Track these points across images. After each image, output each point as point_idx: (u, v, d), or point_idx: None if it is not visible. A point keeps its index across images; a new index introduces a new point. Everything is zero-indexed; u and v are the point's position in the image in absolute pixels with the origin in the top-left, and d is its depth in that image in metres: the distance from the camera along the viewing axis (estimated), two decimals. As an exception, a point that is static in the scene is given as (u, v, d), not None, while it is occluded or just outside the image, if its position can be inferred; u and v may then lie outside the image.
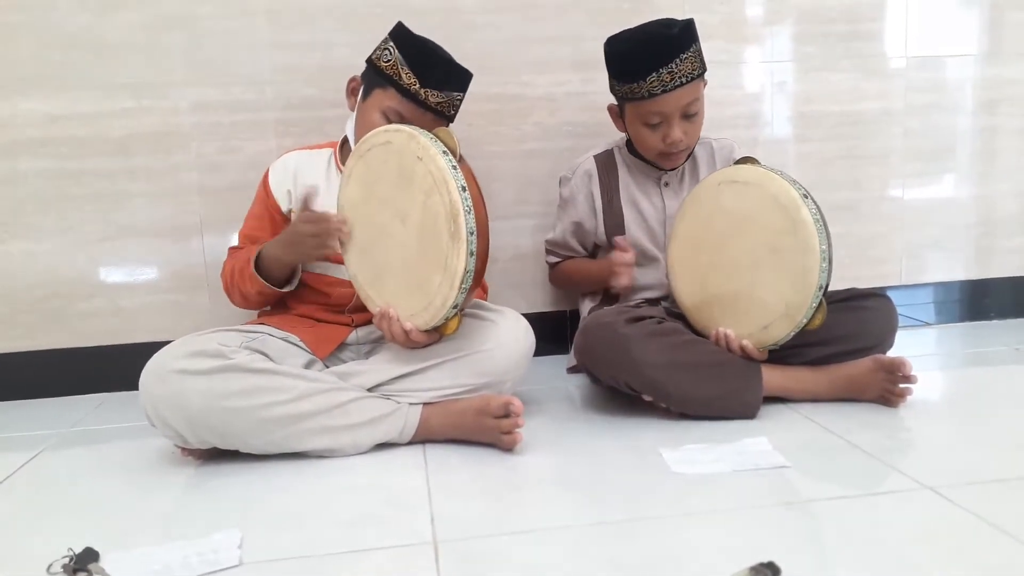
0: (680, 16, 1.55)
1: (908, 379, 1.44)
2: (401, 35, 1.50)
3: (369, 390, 1.37)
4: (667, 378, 1.42)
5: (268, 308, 1.59)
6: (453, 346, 1.38)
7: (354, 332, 1.53)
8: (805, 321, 1.41)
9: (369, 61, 1.52)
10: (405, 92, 1.47)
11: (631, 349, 1.42)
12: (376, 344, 1.54)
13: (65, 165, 1.80)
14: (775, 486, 1.16)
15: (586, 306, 1.79)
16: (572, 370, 1.80)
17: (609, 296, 1.72)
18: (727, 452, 1.28)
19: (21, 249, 1.81)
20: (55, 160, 1.79)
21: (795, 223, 1.38)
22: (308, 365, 1.43)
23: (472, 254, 1.27)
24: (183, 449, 1.34)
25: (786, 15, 2.02)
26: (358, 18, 1.83)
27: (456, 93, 1.53)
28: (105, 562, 1.00)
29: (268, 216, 1.56)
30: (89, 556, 1.00)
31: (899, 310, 1.58)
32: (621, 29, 1.57)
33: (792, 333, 1.42)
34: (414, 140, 1.29)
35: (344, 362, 1.49)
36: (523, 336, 1.43)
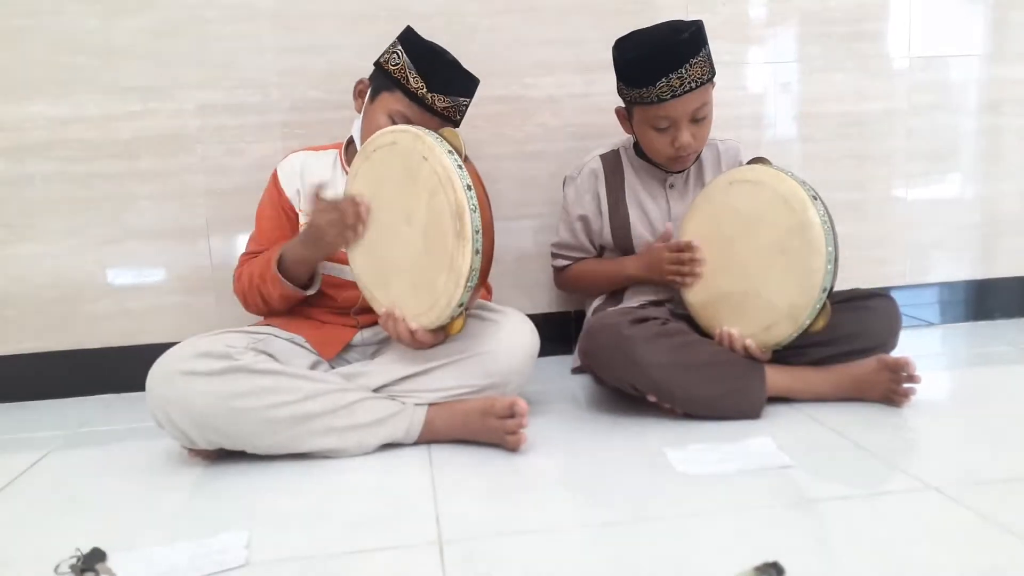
0: (682, 17, 1.55)
1: (912, 379, 1.44)
2: (410, 39, 1.51)
3: (375, 391, 1.37)
4: (672, 378, 1.42)
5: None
6: (458, 347, 1.39)
7: (360, 333, 1.54)
8: (808, 322, 1.41)
9: (377, 64, 1.53)
10: (412, 96, 1.47)
11: (636, 350, 1.42)
12: (382, 345, 1.54)
13: (73, 168, 1.81)
14: (780, 486, 1.16)
15: (592, 307, 1.79)
16: (577, 371, 1.80)
17: (614, 296, 1.72)
18: (732, 452, 1.28)
19: (29, 251, 1.82)
20: (63, 163, 1.80)
21: (803, 224, 1.38)
22: (314, 366, 1.44)
23: (478, 252, 1.27)
24: (190, 450, 1.35)
25: (789, 16, 2.02)
26: (362, 21, 1.84)
27: (463, 99, 1.53)
28: (112, 562, 1.01)
29: (284, 215, 1.56)
30: (96, 556, 1.01)
31: (903, 310, 1.58)
32: (624, 31, 1.57)
33: (795, 334, 1.43)
34: (419, 140, 1.30)
35: (350, 363, 1.50)
36: (528, 337, 1.44)
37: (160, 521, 1.15)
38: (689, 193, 1.70)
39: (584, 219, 1.74)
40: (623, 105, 1.65)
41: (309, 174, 1.57)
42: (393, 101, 1.48)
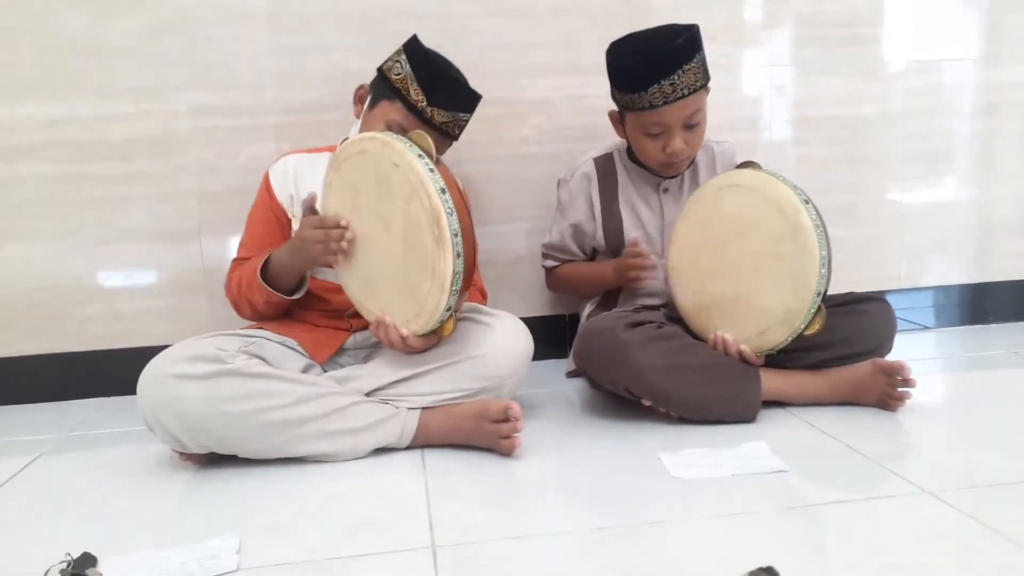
0: (677, 20, 1.54)
1: (908, 383, 1.44)
2: (415, 50, 1.49)
3: (367, 395, 1.37)
4: (666, 382, 1.42)
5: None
6: (451, 350, 1.38)
7: (352, 337, 1.53)
8: (803, 327, 1.41)
9: (380, 71, 1.52)
10: (411, 108, 1.47)
11: (630, 354, 1.41)
12: (374, 348, 1.53)
13: (64, 169, 1.79)
14: (774, 490, 1.16)
15: (586, 310, 1.78)
16: (571, 374, 1.80)
17: (608, 300, 1.72)
18: (727, 456, 1.28)
19: (20, 253, 1.81)
20: (54, 164, 1.79)
21: (796, 229, 1.38)
22: (306, 370, 1.43)
23: (459, 256, 1.27)
24: (181, 454, 1.34)
25: (785, 19, 2.02)
26: (357, 23, 1.83)
27: (463, 114, 1.53)
28: (103, 567, 1.00)
29: (274, 220, 1.55)
30: (87, 561, 1.00)
31: (898, 314, 1.58)
32: (619, 33, 1.56)
33: (790, 339, 1.42)
34: (388, 147, 1.29)
35: (342, 367, 1.49)
36: (521, 340, 1.43)
37: (151, 526, 1.14)
38: (683, 197, 1.69)
39: (575, 225, 1.74)
40: (616, 109, 1.64)
41: (304, 178, 1.56)
42: (392, 111, 1.48)
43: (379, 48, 1.53)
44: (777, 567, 0.89)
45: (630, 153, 1.71)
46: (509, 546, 1.02)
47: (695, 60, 1.49)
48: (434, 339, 1.37)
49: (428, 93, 1.46)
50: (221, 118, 1.83)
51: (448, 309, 1.30)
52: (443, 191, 1.26)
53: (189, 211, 1.85)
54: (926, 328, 2.20)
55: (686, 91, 1.49)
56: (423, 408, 1.37)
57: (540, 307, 2.02)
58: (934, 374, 1.76)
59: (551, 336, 1.95)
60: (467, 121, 1.56)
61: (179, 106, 1.81)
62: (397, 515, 1.13)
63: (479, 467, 1.30)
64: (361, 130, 1.52)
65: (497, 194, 1.93)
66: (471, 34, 1.88)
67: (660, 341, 1.45)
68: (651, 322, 1.49)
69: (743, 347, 1.45)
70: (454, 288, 1.28)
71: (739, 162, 1.66)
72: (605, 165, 1.73)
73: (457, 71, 1.53)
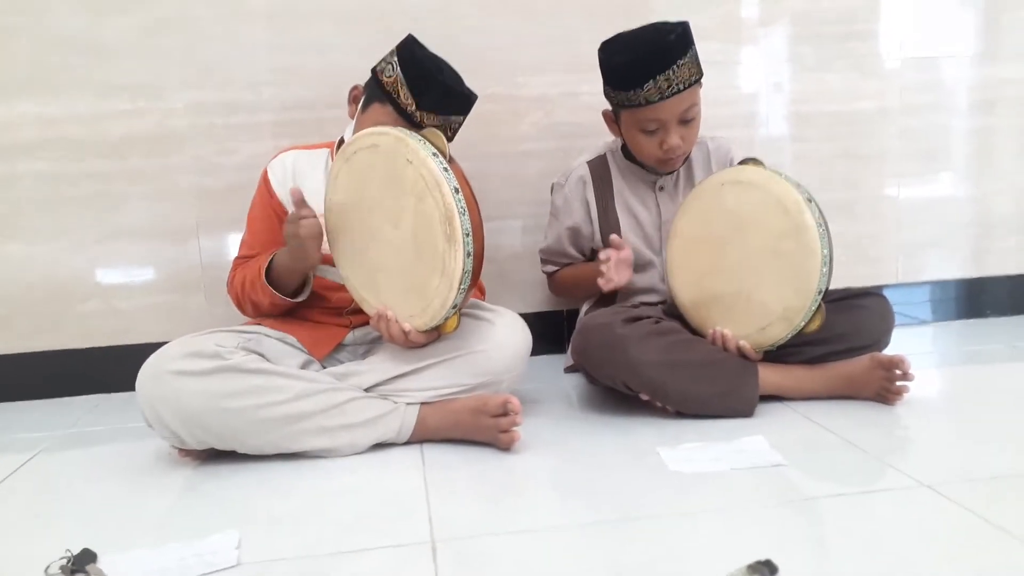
0: (674, 18, 1.55)
1: (906, 377, 1.44)
2: (407, 52, 1.47)
3: (366, 390, 1.37)
4: (665, 377, 1.42)
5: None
6: (450, 346, 1.38)
7: (351, 333, 1.53)
8: (803, 324, 1.41)
9: (374, 72, 1.51)
10: (401, 112, 1.45)
11: (629, 348, 1.42)
12: (373, 344, 1.54)
13: (62, 167, 1.79)
14: (772, 484, 1.16)
15: (585, 306, 1.78)
16: (569, 369, 1.80)
17: (606, 298, 1.72)
18: (725, 451, 1.28)
19: (18, 251, 1.81)
20: (52, 162, 1.79)
21: (798, 226, 1.38)
22: (305, 366, 1.43)
23: (469, 255, 1.27)
24: (180, 450, 1.34)
25: (781, 16, 2.02)
26: (354, 21, 1.83)
27: (455, 117, 1.52)
28: (103, 563, 1.00)
29: (274, 216, 1.54)
30: (87, 557, 1.00)
31: (895, 308, 1.58)
32: (616, 31, 1.56)
33: (789, 335, 1.43)
34: (402, 143, 1.29)
35: (341, 362, 1.49)
36: (520, 336, 1.43)
37: (150, 522, 1.14)
38: (679, 195, 1.69)
39: (573, 229, 1.73)
40: (610, 108, 1.64)
41: (302, 174, 1.56)
42: (383, 114, 1.46)
43: (377, 46, 1.53)
44: (775, 560, 0.89)
45: (625, 152, 1.70)
46: (508, 541, 1.03)
47: (688, 55, 1.49)
48: (435, 335, 1.37)
49: (418, 97, 1.44)
50: (219, 116, 1.83)
51: (454, 306, 1.30)
52: (456, 191, 1.26)
53: (187, 209, 1.85)
54: (923, 322, 2.20)
55: (681, 86, 1.49)
56: (422, 403, 1.38)
57: (538, 303, 2.02)
58: (931, 368, 1.77)
59: (549, 331, 1.96)
60: (460, 124, 1.55)
61: (177, 104, 1.81)
62: (396, 510, 1.13)
63: (478, 462, 1.30)
64: (355, 131, 1.51)
65: (495, 191, 1.93)
66: (468, 32, 1.88)
67: (658, 336, 1.45)
68: (649, 317, 1.50)
69: (742, 343, 1.45)
70: (462, 286, 1.28)
71: (735, 158, 1.67)
72: (599, 168, 1.72)
73: (450, 73, 1.50)
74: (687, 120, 1.54)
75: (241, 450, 1.31)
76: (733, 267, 1.46)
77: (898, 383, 1.45)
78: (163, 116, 1.81)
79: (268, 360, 1.35)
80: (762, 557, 0.90)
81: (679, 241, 1.55)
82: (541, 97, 1.94)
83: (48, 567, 0.99)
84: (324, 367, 1.46)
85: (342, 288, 1.46)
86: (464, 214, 1.26)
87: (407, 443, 1.38)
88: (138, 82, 1.79)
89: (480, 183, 1.60)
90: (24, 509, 1.22)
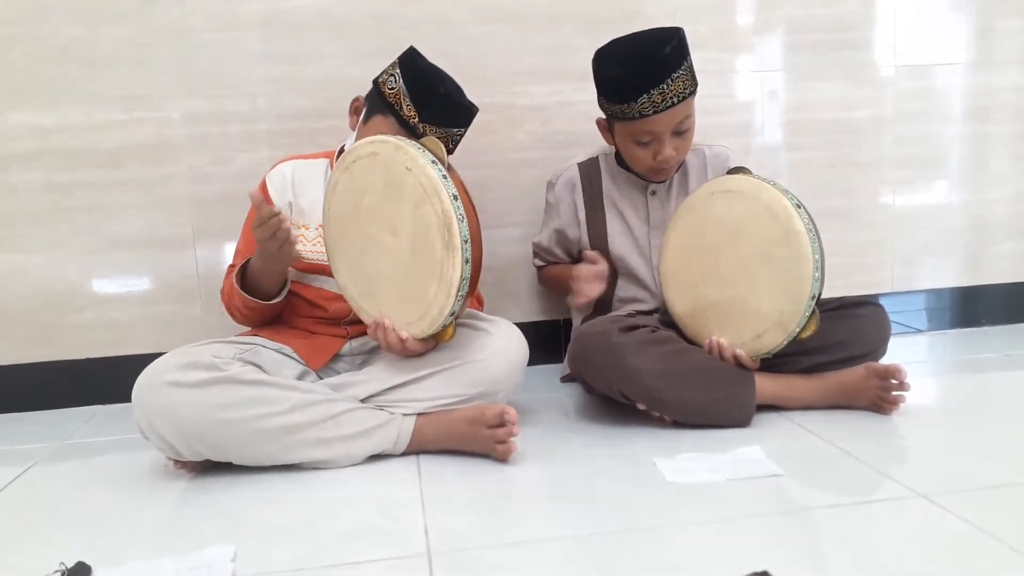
0: (669, 26, 1.55)
1: (902, 386, 1.44)
2: (410, 63, 1.48)
3: (362, 401, 1.37)
4: (661, 386, 1.42)
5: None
6: (447, 356, 1.38)
7: (348, 343, 1.53)
8: (798, 330, 1.41)
9: (375, 83, 1.51)
10: (404, 123, 1.46)
11: (625, 358, 1.42)
12: (370, 355, 1.53)
13: (57, 177, 1.79)
14: (769, 495, 1.16)
15: (578, 319, 1.79)
16: (566, 379, 1.80)
17: (600, 306, 1.72)
18: (721, 461, 1.28)
19: (13, 261, 1.81)
20: (47, 172, 1.79)
21: (788, 233, 1.39)
22: (301, 376, 1.43)
23: (467, 262, 1.27)
24: (176, 462, 1.34)
25: (776, 25, 2.03)
26: (349, 29, 1.84)
27: (456, 129, 1.53)
28: (97, 577, 0.99)
29: None
30: (81, 570, 1.00)
31: (891, 317, 1.59)
32: (612, 39, 1.56)
33: (785, 342, 1.43)
34: (401, 151, 1.29)
35: (338, 373, 1.49)
36: (517, 346, 1.43)
37: (146, 534, 1.14)
38: (671, 200, 1.69)
39: (559, 231, 1.74)
40: (604, 116, 1.63)
41: (299, 183, 1.56)
42: (385, 126, 1.46)
43: (372, 56, 1.54)
44: (772, 571, 0.89)
45: (618, 158, 1.70)
46: (505, 552, 1.02)
47: (683, 67, 1.48)
48: (432, 343, 1.37)
49: (420, 109, 1.45)
50: (214, 125, 1.83)
51: (451, 314, 1.30)
52: (455, 197, 1.26)
53: (183, 218, 1.85)
54: (919, 331, 2.20)
55: (675, 99, 1.48)
56: (418, 414, 1.37)
57: (535, 312, 2.02)
58: (927, 377, 1.77)
59: (546, 341, 1.96)
60: (462, 136, 1.56)
61: (172, 113, 1.81)
62: (392, 522, 1.13)
63: (474, 473, 1.30)
64: (356, 142, 1.51)
65: (491, 200, 1.94)
66: (465, 40, 1.88)
67: (655, 345, 1.45)
68: (646, 326, 1.50)
69: (739, 351, 1.45)
70: (460, 294, 1.28)
71: (733, 166, 1.67)
72: (590, 170, 1.72)
73: (452, 85, 1.51)
74: (681, 132, 1.54)
75: (237, 462, 1.31)
76: (726, 275, 1.47)
77: (894, 392, 1.45)
78: (158, 126, 1.81)
79: (265, 371, 1.34)
80: (759, 568, 0.90)
81: (672, 252, 1.55)
82: (538, 106, 1.95)
83: (42, 581, 0.99)
84: (321, 378, 1.46)
85: (339, 298, 1.46)
86: (462, 221, 1.26)
87: (404, 454, 1.38)
88: (133, 92, 1.79)
89: (477, 192, 1.60)
90: (19, 521, 1.21)
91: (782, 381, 1.50)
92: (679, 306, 1.55)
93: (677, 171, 1.68)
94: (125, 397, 1.29)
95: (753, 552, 0.98)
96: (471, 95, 1.56)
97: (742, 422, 1.44)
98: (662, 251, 1.57)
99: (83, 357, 1.85)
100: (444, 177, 1.27)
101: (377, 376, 1.39)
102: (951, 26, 2.12)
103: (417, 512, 1.15)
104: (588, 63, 1.58)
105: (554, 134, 1.96)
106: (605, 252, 1.68)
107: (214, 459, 1.31)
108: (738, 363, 1.46)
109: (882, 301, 1.62)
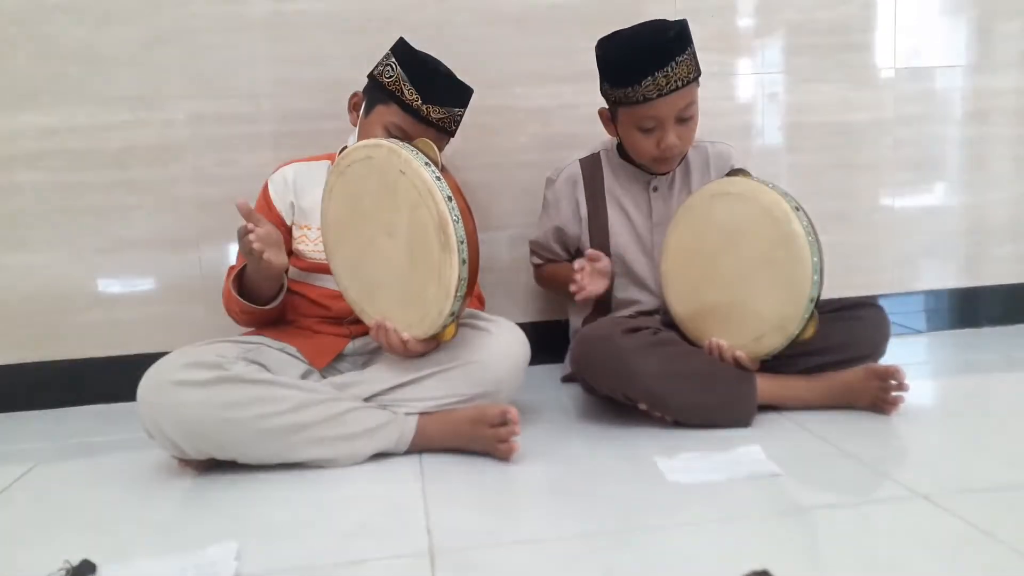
0: (672, 28, 1.55)
1: (901, 387, 1.45)
2: (403, 51, 1.51)
3: (366, 400, 1.37)
4: (663, 387, 1.43)
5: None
6: (449, 356, 1.39)
7: (351, 343, 1.54)
8: (797, 332, 1.42)
9: (371, 76, 1.53)
10: (407, 108, 1.48)
11: (628, 359, 1.42)
12: (373, 354, 1.54)
13: (62, 178, 1.80)
14: (769, 495, 1.17)
15: (576, 318, 1.79)
16: (566, 379, 1.80)
17: (600, 308, 1.72)
18: (721, 461, 1.29)
19: (18, 261, 1.81)
20: (52, 173, 1.80)
21: (787, 235, 1.39)
22: (305, 376, 1.44)
23: (464, 262, 1.28)
24: (180, 460, 1.34)
25: (776, 27, 2.04)
26: (353, 31, 1.85)
27: (457, 109, 1.54)
28: (102, 574, 1.00)
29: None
30: (86, 568, 1.00)
31: (891, 318, 1.59)
32: (615, 31, 1.56)
33: (785, 344, 1.43)
34: (395, 154, 1.30)
35: (341, 373, 1.50)
36: (518, 346, 1.44)
37: (150, 533, 1.14)
38: (673, 196, 1.69)
39: (559, 228, 1.75)
40: (607, 107, 1.63)
41: (301, 185, 1.57)
42: (389, 114, 1.49)
43: (376, 57, 1.54)
44: (772, 570, 0.90)
45: (620, 151, 1.70)
46: (507, 551, 1.03)
47: (687, 53, 1.49)
48: (434, 344, 1.38)
49: (422, 91, 1.47)
50: (219, 126, 1.84)
51: (451, 314, 1.31)
52: (449, 199, 1.27)
53: (187, 219, 1.85)
54: (918, 332, 2.21)
55: (679, 83, 1.48)
56: (421, 413, 1.38)
57: (536, 312, 2.03)
58: (926, 378, 1.78)
59: (547, 341, 1.95)
60: (462, 116, 1.57)
61: (177, 114, 1.82)
62: (395, 520, 1.14)
63: (477, 472, 1.31)
64: (359, 137, 1.53)
65: (493, 201, 1.94)
66: (468, 42, 1.89)
67: (657, 347, 1.46)
68: (648, 328, 1.50)
69: (739, 353, 1.46)
70: (458, 294, 1.29)
71: (735, 164, 1.67)
72: (591, 166, 1.73)
73: (446, 67, 1.54)
74: (684, 119, 1.54)
75: (241, 460, 1.32)
76: (726, 278, 1.47)
77: (893, 393, 1.46)
78: (163, 127, 1.82)
79: (269, 370, 1.36)
80: (759, 567, 0.91)
81: (672, 254, 1.56)
82: (539, 108, 1.95)
83: (48, 578, 1.00)
84: (324, 377, 1.47)
85: (342, 297, 1.47)
86: (458, 222, 1.27)
87: (406, 453, 1.39)
88: (138, 93, 1.80)
89: (478, 194, 1.62)
90: (23, 520, 1.22)
91: (782, 382, 1.51)
92: (679, 308, 1.56)
93: (679, 165, 1.68)
94: (130, 396, 1.29)
95: (753, 551, 0.99)
96: (474, 97, 1.57)
97: (743, 422, 1.45)
98: (662, 253, 1.58)
99: (88, 357, 1.86)
100: (438, 179, 1.28)
101: (380, 375, 1.40)
102: (951, 29, 2.13)
103: (420, 511, 1.16)
104: (590, 65, 1.59)
105: (555, 136, 1.96)
106: (606, 249, 1.68)
107: (218, 458, 1.32)
108: (738, 365, 1.47)
109: (882, 302, 1.63)
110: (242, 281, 1.47)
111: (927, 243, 2.19)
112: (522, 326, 1.48)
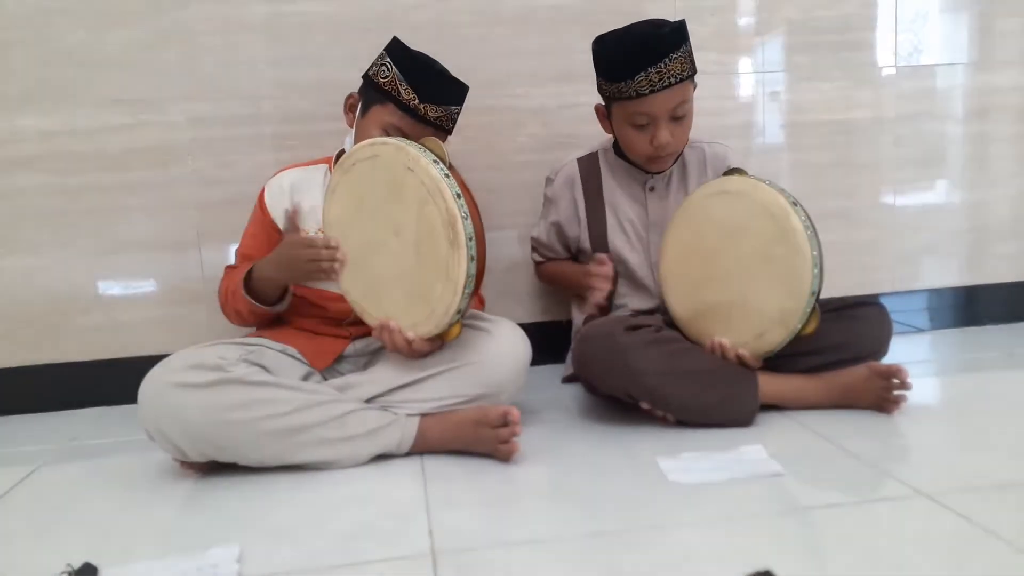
0: (672, 28, 1.56)
1: (903, 386, 1.45)
2: (398, 51, 1.51)
3: (367, 402, 1.37)
4: (666, 386, 1.43)
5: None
6: (450, 357, 1.39)
7: (352, 344, 1.54)
8: (800, 327, 1.42)
9: (366, 77, 1.53)
10: (404, 107, 1.47)
11: (630, 357, 1.42)
12: (374, 356, 1.54)
13: (63, 180, 1.80)
14: (771, 494, 1.17)
15: (580, 316, 1.79)
16: (568, 379, 1.80)
17: (601, 308, 1.72)
18: (724, 460, 1.28)
19: (19, 264, 1.82)
20: (53, 175, 1.80)
21: (786, 231, 1.39)
22: (306, 377, 1.44)
23: (472, 259, 1.28)
24: (182, 463, 1.34)
25: (777, 26, 2.03)
26: (353, 33, 1.85)
27: (454, 107, 1.54)
28: (105, 577, 1.00)
29: (264, 235, 1.56)
30: (87, 571, 1.00)
31: (892, 316, 1.59)
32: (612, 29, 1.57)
33: (787, 339, 1.43)
34: (402, 152, 1.30)
35: (342, 374, 1.50)
36: (520, 346, 1.44)
37: (151, 535, 1.14)
38: (670, 196, 1.69)
39: (557, 225, 1.75)
40: (603, 103, 1.64)
41: (297, 191, 1.57)
42: (386, 114, 1.49)
43: (374, 58, 1.54)
44: (775, 570, 0.90)
45: (617, 150, 1.70)
46: (509, 551, 1.03)
47: (682, 50, 1.49)
48: (438, 343, 1.38)
49: (418, 90, 1.47)
50: (219, 129, 1.84)
51: (458, 312, 1.31)
52: (458, 196, 1.27)
53: (188, 221, 1.85)
54: (920, 330, 2.21)
55: (673, 79, 1.48)
56: (422, 415, 1.38)
57: (537, 313, 2.03)
58: (929, 377, 1.77)
59: (548, 342, 1.95)
60: (458, 114, 1.57)
61: (177, 117, 1.82)
62: (397, 522, 1.14)
63: (478, 473, 1.31)
64: (356, 138, 1.53)
65: (493, 201, 1.94)
66: (467, 43, 1.89)
67: (659, 345, 1.46)
68: (650, 326, 1.50)
69: (741, 351, 1.46)
70: (466, 291, 1.29)
71: (732, 164, 1.67)
72: (588, 166, 1.73)
73: (440, 65, 1.53)
74: (678, 117, 1.54)
75: (242, 462, 1.32)
76: (726, 276, 1.47)
77: (896, 392, 1.46)
78: (164, 129, 1.82)
79: (270, 372, 1.35)
80: (761, 567, 0.91)
81: (671, 255, 1.55)
82: (539, 108, 1.95)
83: (50, 581, 1.00)
84: (325, 379, 1.47)
85: (341, 298, 1.47)
86: (466, 219, 1.27)
87: (408, 454, 1.39)
88: (138, 95, 1.80)
89: (478, 194, 1.61)
90: (25, 523, 1.22)
91: (784, 381, 1.51)
92: (680, 309, 1.55)
93: (675, 164, 1.68)
94: (131, 399, 1.29)
95: (756, 551, 0.99)
96: (471, 97, 1.57)
97: (745, 422, 1.45)
98: (661, 254, 1.58)
99: (89, 359, 1.86)
100: (446, 176, 1.28)
101: (381, 377, 1.40)
102: (951, 26, 2.13)
103: (421, 512, 1.16)
104: (589, 65, 1.59)
105: (556, 136, 1.96)
106: (605, 250, 1.69)
107: (220, 460, 1.31)
108: (741, 363, 1.47)
109: (883, 301, 1.63)
110: (249, 283, 1.47)
111: (928, 241, 2.19)
112: (523, 326, 1.48)
